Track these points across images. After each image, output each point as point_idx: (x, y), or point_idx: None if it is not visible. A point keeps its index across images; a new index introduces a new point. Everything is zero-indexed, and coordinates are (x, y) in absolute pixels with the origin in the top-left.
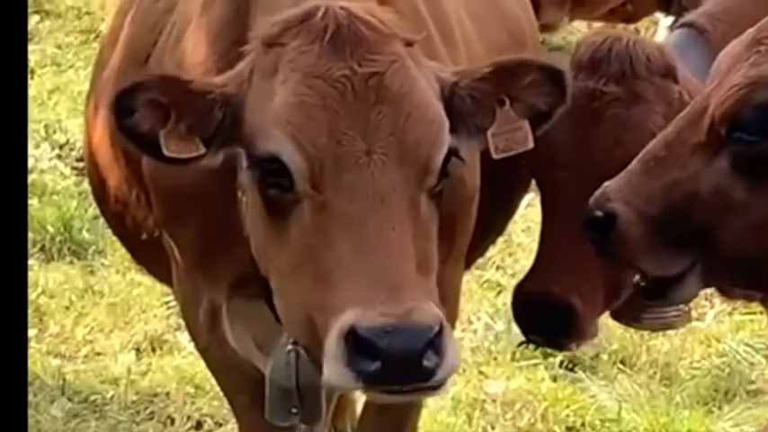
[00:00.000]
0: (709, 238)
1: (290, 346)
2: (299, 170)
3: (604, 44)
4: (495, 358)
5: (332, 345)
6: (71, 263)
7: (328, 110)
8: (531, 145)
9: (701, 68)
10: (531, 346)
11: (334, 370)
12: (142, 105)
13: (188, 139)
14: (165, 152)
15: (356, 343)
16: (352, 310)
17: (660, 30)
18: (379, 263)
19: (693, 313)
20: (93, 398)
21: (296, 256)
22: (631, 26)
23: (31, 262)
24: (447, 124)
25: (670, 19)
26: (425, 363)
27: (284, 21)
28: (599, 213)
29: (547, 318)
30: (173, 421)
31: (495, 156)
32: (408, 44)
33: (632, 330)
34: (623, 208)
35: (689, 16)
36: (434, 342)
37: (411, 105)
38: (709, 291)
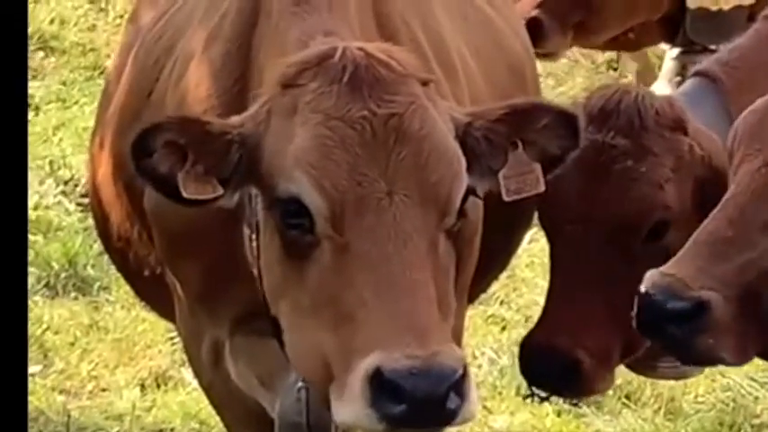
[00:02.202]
0: None
1: (300, 383)
2: (320, 212)
3: (613, 97)
4: (500, 393)
5: (355, 386)
6: (76, 299)
7: (349, 151)
8: (542, 188)
9: (715, 118)
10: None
11: (357, 411)
12: (160, 147)
13: (206, 181)
14: (184, 193)
15: (381, 385)
16: (378, 352)
17: (666, 61)
18: (404, 305)
19: None
20: None
21: (315, 296)
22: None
23: (35, 298)
24: (465, 164)
25: (676, 50)
26: (448, 404)
27: (301, 62)
28: (684, 304)
29: (553, 372)
30: None
31: (506, 198)
32: (424, 83)
33: None
34: (711, 294)
35: (702, 65)
36: (458, 384)
37: (430, 146)
38: None
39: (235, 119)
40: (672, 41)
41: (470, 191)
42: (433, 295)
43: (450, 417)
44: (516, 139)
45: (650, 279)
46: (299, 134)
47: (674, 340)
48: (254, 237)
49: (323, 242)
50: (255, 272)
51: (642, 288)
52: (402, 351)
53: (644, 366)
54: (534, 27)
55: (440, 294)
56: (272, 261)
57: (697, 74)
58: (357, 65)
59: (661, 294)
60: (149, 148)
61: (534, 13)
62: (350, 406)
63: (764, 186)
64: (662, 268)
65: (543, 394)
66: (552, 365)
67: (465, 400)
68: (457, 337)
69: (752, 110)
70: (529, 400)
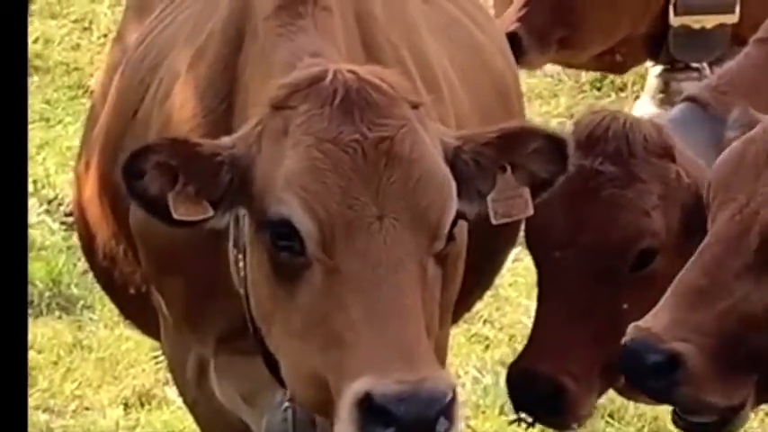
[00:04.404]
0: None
1: (286, 403)
2: (310, 235)
3: (602, 123)
4: (484, 412)
5: (345, 410)
6: (59, 318)
7: (340, 175)
8: (530, 212)
9: (704, 144)
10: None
11: None
12: (151, 168)
13: (196, 202)
14: (174, 215)
15: (371, 409)
16: (367, 376)
17: (649, 79)
18: (394, 329)
19: None
20: None
21: (305, 319)
22: (619, 79)
23: None
24: (455, 188)
25: (659, 68)
26: (438, 428)
27: (292, 84)
28: (657, 357)
29: (538, 398)
30: None
31: (494, 221)
32: (414, 106)
33: None
34: (684, 346)
35: (691, 90)
36: (447, 408)
37: (421, 169)
38: None
39: (226, 140)
40: (655, 59)
41: (460, 215)
42: (422, 320)
43: None
44: (505, 162)
45: (630, 332)
46: (290, 156)
47: (657, 393)
48: (240, 257)
49: (313, 265)
50: (242, 292)
51: (623, 341)
52: (392, 376)
53: (633, 391)
54: (512, 42)
55: (426, 317)
56: (262, 282)
57: (686, 99)
58: (348, 88)
59: (638, 348)
60: (140, 170)
61: (513, 27)
62: (339, 430)
63: (738, 234)
64: (640, 321)
65: (529, 419)
66: (538, 392)
67: (454, 423)
68: (441, 357)
69: (724, 160)
70: (513, 417)
